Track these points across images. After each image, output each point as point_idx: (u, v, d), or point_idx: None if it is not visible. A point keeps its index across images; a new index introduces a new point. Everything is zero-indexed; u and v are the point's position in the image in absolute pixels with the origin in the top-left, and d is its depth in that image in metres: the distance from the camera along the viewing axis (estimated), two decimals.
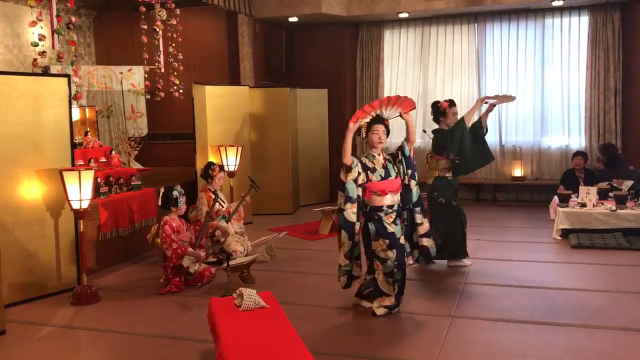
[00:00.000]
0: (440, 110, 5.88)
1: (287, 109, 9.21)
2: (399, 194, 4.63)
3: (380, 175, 4.57)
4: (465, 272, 5.73)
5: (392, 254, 4.49)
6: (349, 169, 4.49)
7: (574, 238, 6.76)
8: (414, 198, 4.72)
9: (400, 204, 4.66)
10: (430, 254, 4.78)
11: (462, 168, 5.80)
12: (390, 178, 4.59)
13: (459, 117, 5.86)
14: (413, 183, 4.72)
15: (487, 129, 5.93)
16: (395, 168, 4.66)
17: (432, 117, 6.06)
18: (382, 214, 4.54)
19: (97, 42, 10.29)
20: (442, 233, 5.84)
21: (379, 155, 4.64)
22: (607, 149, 8.36)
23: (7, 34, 8.47)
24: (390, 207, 4.57)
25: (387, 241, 4.50)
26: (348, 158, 4.49)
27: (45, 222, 5.31)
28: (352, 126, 4.50)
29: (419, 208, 4.73)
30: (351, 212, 4.48)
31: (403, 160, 4.69)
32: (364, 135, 4.60)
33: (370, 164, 4.58)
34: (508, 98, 6.09)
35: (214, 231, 6.07)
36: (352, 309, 4.72)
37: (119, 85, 9.06)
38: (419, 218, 4.73)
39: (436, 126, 6.03)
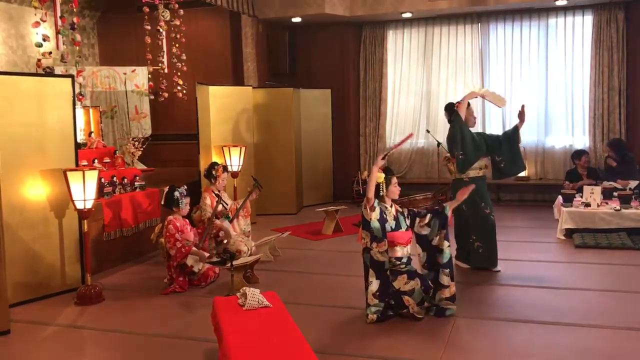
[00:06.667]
0: (456, 112, 5.72)
1: (291, 109, 9.21)
2: (408, 247, 4.56)
3: (391, 227, 4.49)
4: (469, 272, 5.72)
5: (416, 283, 4.40)
6: (372, 208, 4.42)
7: (578, 238, 6.74)
8: (444, 259, 4.53)
9: (426, 261, 4.59)
10: (445, 314, 4.50)
11: (467, 163, 5.63)
12: (400, 230, 4.53)
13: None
14: (446, 244, 4.54)
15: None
16: (407, 221, 4.60)
17: (446, 119, 5.91)
18: (390, 266, 4.44)
19: (101, 42, 10.30)
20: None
21: (391, 206, 4.59)
22: (619, 145, 8.22)
23: (11, 35, 8.49)
24: (399, 259, 4.49)
25: (405, 275, 4.43)
26: (372, 195, 4.40)
27: (49, 222, 5.32)
28: (381, 162, 4.46)
29: (448, 270, 4.52)
30: (378, 251, 4.38)
31: (437, 222, 4.57)
32: (384, 191, 4.50)
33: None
34: (499, 100, 5.89)
35: (218, 232, 6.09)
36: (356, 309, 4.70)
37: (122, 85, 9.07)
38: (445, 280, 4.51)
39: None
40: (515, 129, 5.77)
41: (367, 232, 4.43)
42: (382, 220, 4.44)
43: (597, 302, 4.77)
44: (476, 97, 5.84)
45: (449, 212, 4.60)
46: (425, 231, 4.62)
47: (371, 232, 4.41)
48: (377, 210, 4.43)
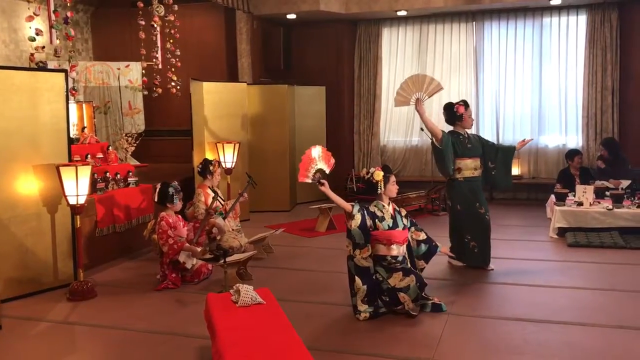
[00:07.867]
0: (457, 115, 5.72)
1: (285, 106, 9.19)
2: (404, 245, 4.57)
3: (388, 225, 4.50)
4: (462, 270, 5.73)
5: (411, 279, 4.41)
6: (351, 216, 4.45)
7: (570, 237, 6.76)
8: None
9: (407, 258, 4.62)
10: (442, 309, 4.54)
11: (446, 174, 5.74)
12: (398, 229, 4.54)
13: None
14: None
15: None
16: (404, 220, 4.62)
17: (445, 119, 5.90)
18: (385, 264, 4.47)
19: (95, 38, 10.26)
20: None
21: (388, 204, 4.60)
22: (612, 144, 8.24)
23: (4, 29, 8.44)
24: (395, 257, 4.48)
25: (401, 272, 4.44)
26: (346, 206, 4.47)
27: (41, 217, 5.29)
28: (325, 189, 4.51)
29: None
30: (361, 258, 4.43)
31: (425, 249, 4.73)
32: (382, 189, 4.53)
33: (379, 213, 4.52)
34: (429, 85, 5.65)
35: (211, 228, 6.07)
36: (349, 306, 4.70)
37: (116, 81, 9.04)
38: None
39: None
40: (513, 149, 5.89)
41: (350, 240, 4.47)
42: (363, 224, 4.44)
43: (589, 301, 4.79)
44: (423, 102, 5.67)
45: (439, 251, 4.78)
46: (412, 244, 4.73)
47: (353, 239, 4.44)
48: (358, 216, 4.45)
